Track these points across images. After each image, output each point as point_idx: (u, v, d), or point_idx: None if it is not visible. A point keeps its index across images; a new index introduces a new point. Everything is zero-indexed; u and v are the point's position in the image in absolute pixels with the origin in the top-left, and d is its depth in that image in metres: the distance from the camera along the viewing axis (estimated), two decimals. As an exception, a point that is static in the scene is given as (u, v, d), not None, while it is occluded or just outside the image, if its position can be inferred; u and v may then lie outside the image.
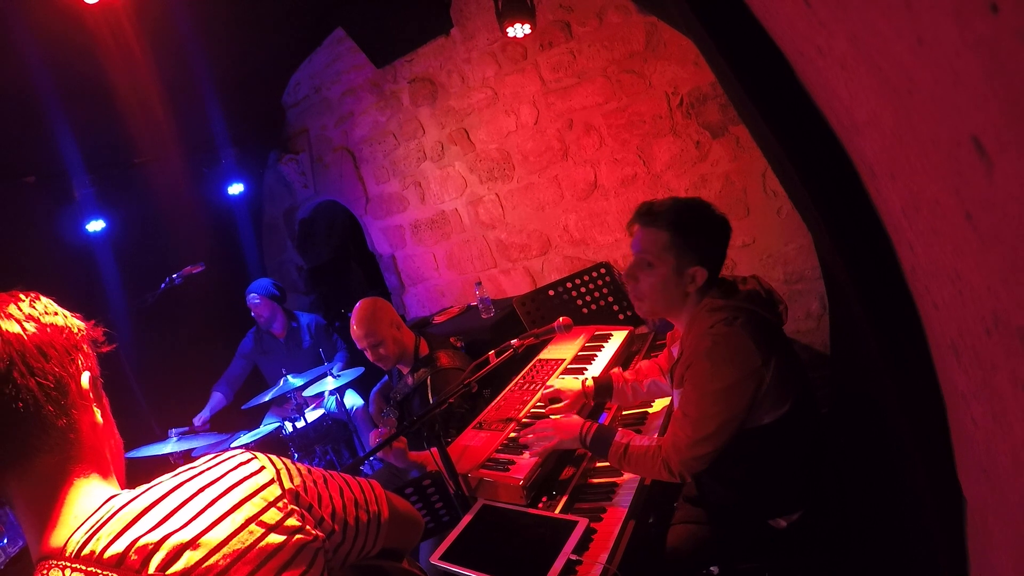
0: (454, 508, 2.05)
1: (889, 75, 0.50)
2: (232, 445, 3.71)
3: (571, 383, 2.39)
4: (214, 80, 4.26)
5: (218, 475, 0.89)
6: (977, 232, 0.47)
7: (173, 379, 4.56)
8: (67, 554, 0.80)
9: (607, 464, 2.09)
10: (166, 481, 0.88)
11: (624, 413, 2.50)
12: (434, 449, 1.97)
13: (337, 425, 4.31)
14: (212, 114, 4.64)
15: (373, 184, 5.20)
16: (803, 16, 0.66)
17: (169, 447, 3.55)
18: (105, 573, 0.77)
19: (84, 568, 0.78)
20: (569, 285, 3.45)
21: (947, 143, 0.45)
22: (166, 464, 3.59)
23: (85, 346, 0.95)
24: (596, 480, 2.06)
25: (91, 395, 0.93)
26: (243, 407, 4.15)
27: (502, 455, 2.12)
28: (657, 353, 2.60)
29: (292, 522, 0.88)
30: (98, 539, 0.80)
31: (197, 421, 4.24)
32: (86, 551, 0.79)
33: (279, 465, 0.95)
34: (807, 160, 1.06)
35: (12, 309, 0.88)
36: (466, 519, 1.89)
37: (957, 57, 0.39)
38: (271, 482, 0.90)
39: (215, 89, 4.37)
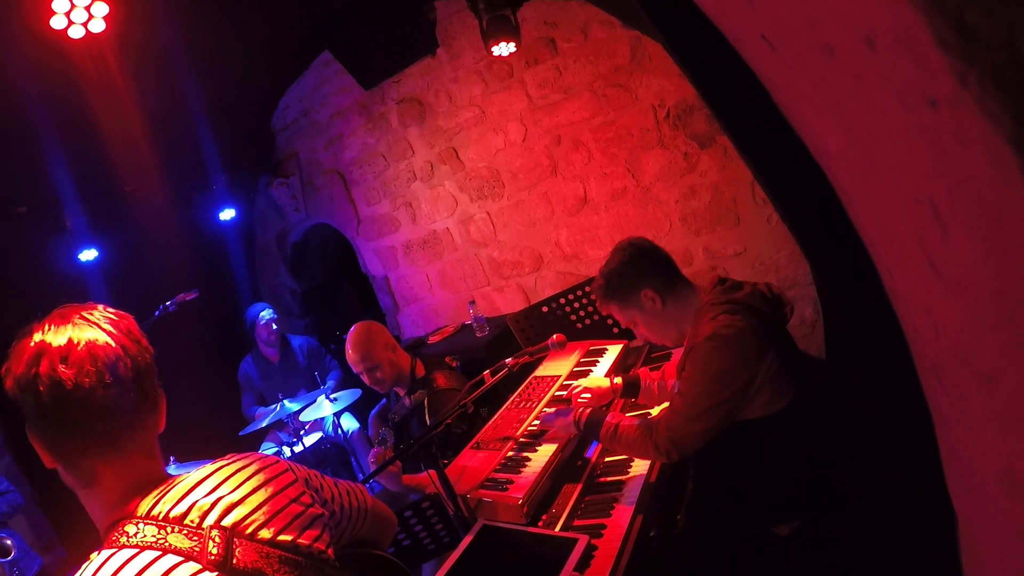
0: (454, 529, 2.04)
1: (851, 125, 0.51)
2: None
3: (600, 381, 2.49)
4: (203, 106, 4.25)
5: (250, 461, 1.12)
6: (941, 280, 0.48)
7: (169, 405, 4.52)
8: (138, 514, 0.97)
9: (606, 480, 2.11)
10: (208, 465, 1.09)
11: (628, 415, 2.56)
12: (432, 471, 1.97)
13: (335, 449, 4.30)
14: (202, 140, 4.63)
15: (364, 206, 5.20)
16: (770, 56, 0.67)
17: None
18: (171, 527, 0.95)
19: (155, 522, 0.96)
20: (563, 301, 3.45)
21: (908, 197, 0.46)
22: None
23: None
24: (595, 496, 2.06)
25: (163, 393, 1.11)
26: (240, 433, 4.13)
27: (500, 474, 2.12)
28: (654, 364, 2.65)
29: (306, 499, 1.12)
30: (164, 502, 0.99)
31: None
32: (155, 511, 0.97)
33: (289, 463, 1.19)
34: (784, 184, 1.07)
35: (106, 325, 1.02)
36: (466, 540, 1.89)
37: (906, 134, 0.40)
38: (288, 470, 1.15)
39: (204, 115, 4.37)
